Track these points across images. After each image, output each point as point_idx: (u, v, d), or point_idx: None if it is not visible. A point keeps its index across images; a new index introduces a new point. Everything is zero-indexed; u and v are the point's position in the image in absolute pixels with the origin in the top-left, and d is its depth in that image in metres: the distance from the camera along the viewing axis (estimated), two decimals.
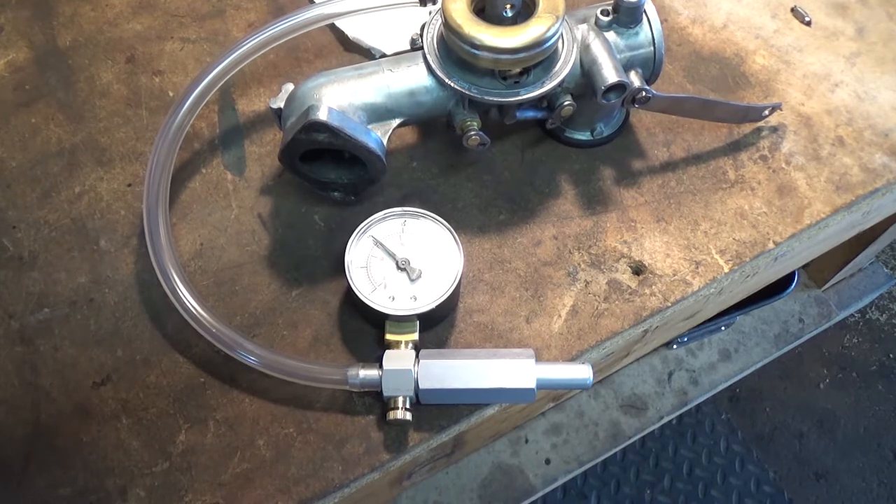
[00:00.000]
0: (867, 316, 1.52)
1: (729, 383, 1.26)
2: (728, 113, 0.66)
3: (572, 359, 0.59)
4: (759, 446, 1.31)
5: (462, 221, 0.64)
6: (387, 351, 0.55)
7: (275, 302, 0.60)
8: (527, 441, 1.21)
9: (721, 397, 1.32)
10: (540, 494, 1.13)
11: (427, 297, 0.56)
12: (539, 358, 0.57)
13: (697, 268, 0.62)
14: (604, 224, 0.65)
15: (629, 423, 1.23)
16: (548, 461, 1.22)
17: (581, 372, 0.54)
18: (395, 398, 0.54)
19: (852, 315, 1.48)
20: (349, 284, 0.56)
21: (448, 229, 0.59)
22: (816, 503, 1.27)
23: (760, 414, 1.36)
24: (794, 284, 1.15)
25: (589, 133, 0.68)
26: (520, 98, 0.58)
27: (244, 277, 0.61)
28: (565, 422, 1.22)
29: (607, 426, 1.22)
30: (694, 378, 1.29)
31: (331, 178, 0.60)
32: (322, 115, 0.54)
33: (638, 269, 0.63)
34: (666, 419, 1.22)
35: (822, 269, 1.27)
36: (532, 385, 0.53)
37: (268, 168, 0.67)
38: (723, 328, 1.24)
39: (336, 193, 0.61)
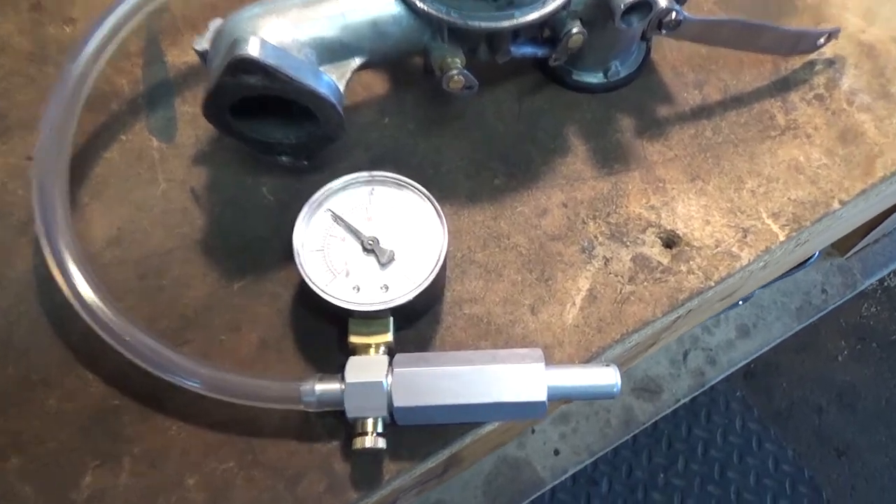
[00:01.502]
0: (885, 283, 1.45)
1: (748, 361, 1.20)
2: (775, 41, 0.53)
3: (591, 358, 0.46)
4: (777, 423, 1.27)
5: (447, 189, 0.51)
6: (351, 358, 0.42)
7: (211, 298, 0.48)
8: (533, 431, 1.14)
9: (735, 374, 1.26)
10: (549, 487, 1.09)
11: (402, 285, 0.43)
12: (549, 359, 0.44)
13: (746, 236, 0.49)
14: (625, 186, 0.52)
15: (643, 408, 1.16)
16: (556, 452, 1.16)
17: (605, 377, 0.41)
18: (362, 420, 0.41)
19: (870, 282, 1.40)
20: (300, 274, 0.43)
21: (428, 199, 0.46)
22: (838, 480, 1.22)
23: (777, 390, 1.31)
24: (817, 254, 1.04)
25: (602, 74, 0.54)
26: (514, 23, 0.44)
27: (173, 268, 0.49)
28: (574, 409, 1.14)
29: (619, 412, 1.15)
30: (711, 357, 1.22)
31: (276, 139, 0.46)
32: (252, 50, 0.40)
33: (670, 241, 0.50)
34: (683, 401, 1.16)
35: (845, 235, 1.17)
36: (542, 397, 0.40)
37: (203, 132, 0.54)
38: (740, 303, 1.18)
39: (284, 157, 0.48)
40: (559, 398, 0.41)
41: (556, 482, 1.11)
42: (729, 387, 1.28)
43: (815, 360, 1.35)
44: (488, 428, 0.45)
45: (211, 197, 0.51)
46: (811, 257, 1.03)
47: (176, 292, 0.48)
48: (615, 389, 0.41)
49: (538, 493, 1.11)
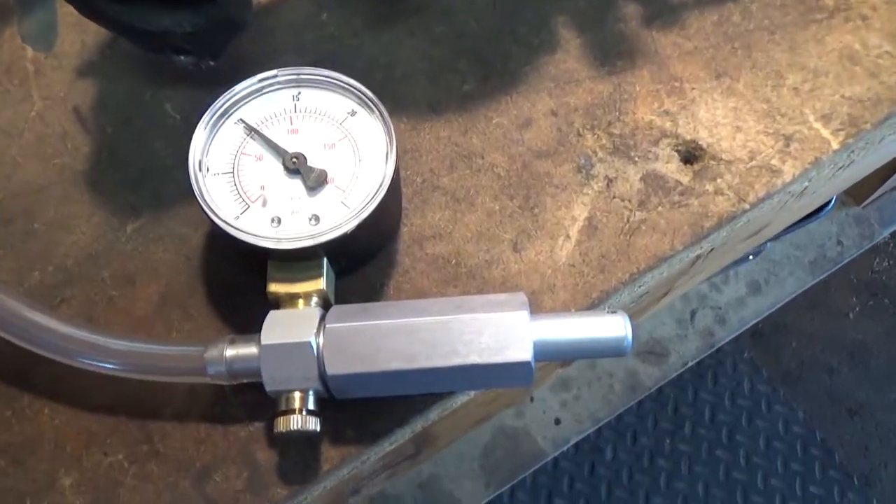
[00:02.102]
0: None
1: (760, 319, 1.14)
2: None
3: (592, 306, 0.35)
4: (787, 384, 1.22)
5: (402, 98, 0.40)
6: (271, 312, 0.31)
7: (98, 244, 0.37)
8: (532, 400, 1.08)
9: (743, 334, 1.20)
10: (550, 458, 1.05)
11: (337, 215, 0.32)
12: (538, 309, 0.34)
13: (788, 145, 0.38)
14: (630, 87, 0.40)
15: (648, 373, 1.10)
16: (558, 421, 1.11)
17: (612, 327, 0.30)
18: (286, 394, 0.30)
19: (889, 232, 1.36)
20: (199, 204, 0.32)
21: (369, 102, 0.34)
22: (851, 441, 1.18)
23: (786, 349, 1.26)
24: (832, 203, 0.96)
25: None
26: None
27: (48, 208, 0.38)
28: (575, 375, 1.08)
29: (624, 377, 1.10)
30: (720, 316, 1.16)
31: (166, 27, 0.35)
32: None
33: (690, 155, 0.38)
34: (691, 364, 1.11)
35: (860, 182, 1.10)
36: (526, 356, 0.29)
37: (92, 37, 0.42)
38: (750, 257, 1.11)
39: (182, 56, 0.37)
40: (551, 358, 0.30)
41: (558, 452, 1.04)
42: (736, 348, 1.24)
43: (825, 317, 1.30)
44: (460, 399, 0.35)
45: (99, 117, 0.40)
46: (826, 205, 0.93)
47: (52, 238, 0.37)
48: (625, 344, 0.30)
49: (539, 465, 1.05)
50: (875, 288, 1.33)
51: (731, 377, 1.23)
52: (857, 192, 1.17)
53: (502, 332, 0.30)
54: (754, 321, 1.18)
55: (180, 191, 0.38)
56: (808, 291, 1.21)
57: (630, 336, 0.30)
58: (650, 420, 1.18)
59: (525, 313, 0.30)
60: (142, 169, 0.38)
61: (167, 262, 0.36)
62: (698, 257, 0.40)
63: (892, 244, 1.37)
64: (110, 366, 0.32)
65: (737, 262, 1.10)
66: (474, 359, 0.29)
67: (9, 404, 0.33)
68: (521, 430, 1.10)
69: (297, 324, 0.31)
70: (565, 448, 1.07)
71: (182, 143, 0.38)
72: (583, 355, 0.30)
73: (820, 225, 1.26)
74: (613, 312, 0.31)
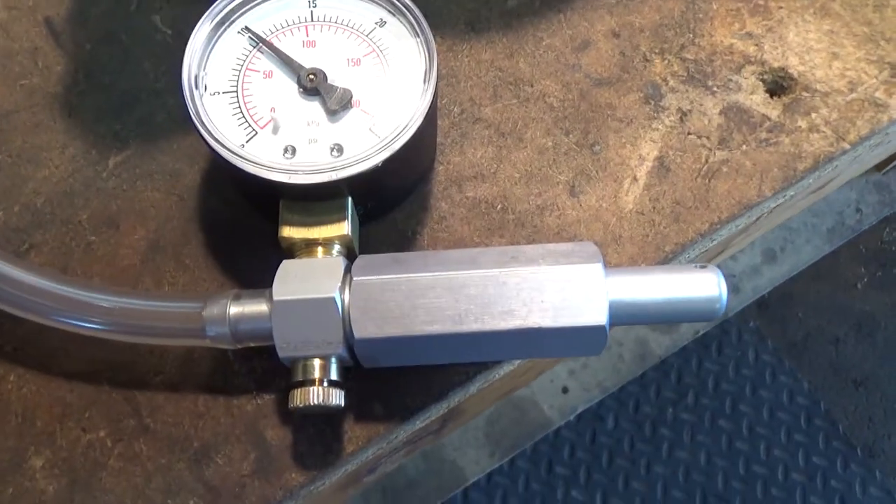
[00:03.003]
0: None
1: (775, 287, 1.13)
2: None
3: (665, 260, 0.30)
4: (792, 355, 1.20)
5: (437, 15, 0.34)
6: (284, 262, 0.26)
7: (74, 180, 0.31)
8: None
9: (749, 304, 1.18)
10: (556, 427, 1.03)
11: (363, 144, 0.26)
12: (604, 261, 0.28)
13: (894, 75, 0.32)
14: (706, 4, 0.34)
15: (659, 342, 1.09)
16: (565, 390, 1.09)
17: (703, 285, 0.25)
18: (304, 362, 0.25)
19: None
20: (197, 129, 0.26)
21: (404, 9, 0.28)
22: (856, 413, 1.16)
23: (792, 320, 1.24)
24: None
25: None
26: None
27: (15, 137, 0.32)
28: None
29: (633, 346, 1.09)
30: (734, 284, 1.14)
31: None
32: None
33: (778, 85, 0.33)
34: (701, 333, 1.09)
35: None
36: (601, 319, 0.24)
37: None
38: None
39: None
40: (629, 322, 0.25)
41: (563, 422, 1.02)
42: (742, 318, 1.20)
43: (832, 288, 1.27)
44: (505, 369, 0.30)
45: (77, 32, 0.33)
46: None
47: (18, 172, 0.31)
48: (719, 305, 0.25)
49: (544, 434, 1.03)
50: (884, 258, 1.29)
51: (737, 347, 1.20)
52: None
53: (570, 290, 0.24)
54: (769, 289, 1.15)
55: (172, 119, 0.32)
56: (815, 261, 1.19)
57: (725, 296, 0.24)
58: (653, 389, 1.15)
59: (599, 266, 0.24)
60: (126, 92, 0.32)
61: (157, 202, 0.30)
62: (775, 207, 0.35)
63: None
64: (91, 325, 0.26)
65: None
66: (536, 321, 0.24)
67: None
68: (528, 398, 1.07)
69: (316, 276, 0.25)
70: (572, 417, 1.05)
71: (174, 62, 0.32)
72: (667, 319, 0.25)
73: (839, 191, 1.22)
74: (703, 266, 0.25)
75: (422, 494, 0.97)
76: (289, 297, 0.24)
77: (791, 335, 1.22)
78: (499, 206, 0.30)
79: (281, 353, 0.25)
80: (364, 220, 0.29)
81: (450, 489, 1.00)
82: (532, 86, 0.33)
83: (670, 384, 1.16)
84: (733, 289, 1.16)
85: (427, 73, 0.27)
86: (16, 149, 0.31)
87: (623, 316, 0.24)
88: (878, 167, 1.20)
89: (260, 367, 0.28)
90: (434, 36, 0.33)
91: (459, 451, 1.03)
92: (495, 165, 0.31)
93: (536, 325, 0.24)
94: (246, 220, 0.30)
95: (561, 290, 0.24)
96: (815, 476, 1.07)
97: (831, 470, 1.08)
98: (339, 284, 0.25)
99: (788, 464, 1.08)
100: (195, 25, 0.28)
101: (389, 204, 0.30)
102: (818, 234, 1.22)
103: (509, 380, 0.36)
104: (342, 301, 0.24)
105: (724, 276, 0.25)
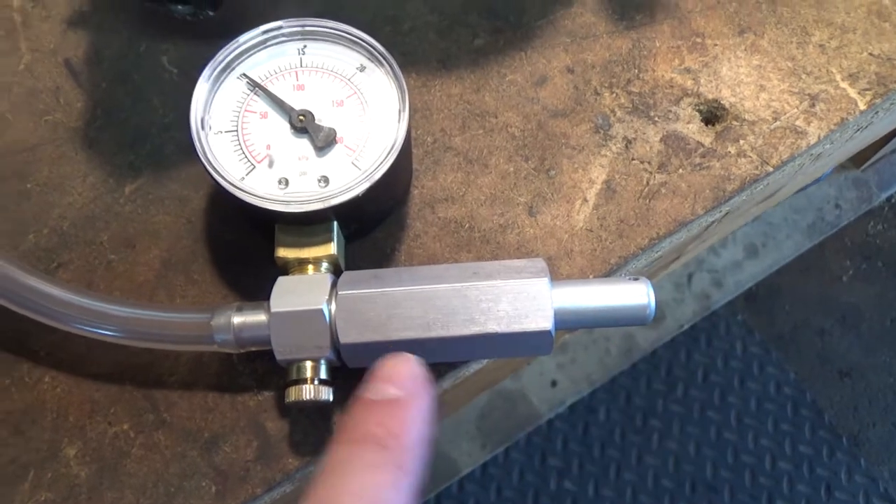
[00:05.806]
0: (893, 200, 1.37)
1: (757, 282, 1.16)
2: None
3: (610, 272, 0.34)
4: (779, 347, 1.22)
5: (411, 54, 0.38)
6: (279, 278, 0.30)
7: (95, 206, 0.35)
8: (528, 363, 1.08)
9: (737, 297, 1.21)
10: (545, 420, 1.06)
11: (347, 176, 0.31)
12: (553, 274, 0.32)
13: (814, 105, 0.37)
14: (650, 43, 0.38)
15: (645, 335, 1.12)
16: (554, 383, 1.13)
17: (634, 294, 0.29)
18: (298, 364, 0.29)
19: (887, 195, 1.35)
20: (202, 165, 0.30)
21: (380, 57, 0.33)
22: (841, 402, 1.19)
23: (779, 312, 1.27)
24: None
25: None
26: None
27: (42, 168, 0.36)
28: (571, 339, 1.09)
29: (620, 340, 1.11)
30: (717, 279, 1.17)
31: None
32: None
33: (713, 115, 0.37)
34: (686, 327, 1.13)
35: None
36: (547, 325, 0.28)
37: None
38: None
39: (179, 5, 0.34)
40: (571, 327, 0.29)
41: (553, 415, 1.05)
42: (730, 310, 1.23)
43: (818, 281, 1.30)
44: (473, 367, 0.34)
45: (93, 72, 0.38)
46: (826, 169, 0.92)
47: (46, 199, 0.35)
48: (648, 312, 0.29)
49: (534, 427, 1.06)
50: (869, 251, 1.32)
51: (725, 339, 1.23)
52: (857, 155, 1.15)
53: (522, 300, 0.29)
54: (751, 284, 1.18)
55: (180, 150, 0.36)
56: (802, 255, 1.21)
57: (653, 304, 0.29)
58: (643, 381, 1.19)
59: (545, 280, 0.29)
60: (139, 127, 0.37)
61: (168, 224, 0.35)
62: (713, 221, 0.39)
63: (887, 208, 1.35)
64: (114, 333, 0.30)
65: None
66: (493, 327, 0.28)
67: (8, 372, 0.32)
68: (518, 392, 1.10)
69: (307, 290, 0.29)
70: (561, 409, 1.08)
71: (180, 99, 0.37)
72: (604, 324, 0.29)
73: (819, 188, 1.25)
74: (635, 279, 0.30)
75: None
76: (284, 309, 0.29)
77: (778, 327, 1.25)
78: (466, 226, 0.35)
79: (278, 357, 0.29)
80: (349, 239, 0.33)
81: (443, 480, 1.03)
82: (496, 117, 0.37)
83: (660, 376, 1.19)
84: (716, 283, 1.20)
85: (400, 112, 0.32)
86: (43, 178, 0.36)
87: (567, 321, 0.29)
88: (857, 164, 1.23)
89: (260, 368, 0.32)
90: (409, 73, 0.37)
91: (452, 443, 1.06)
92: (464, 189, 0.36)
93: (493, 331, 0.28)
94: (246, 241, 0.34)
95: (514, 301, 0.29)
96: (802, 464, 1.10)
97: (817, 458, 1.11)
98: (327, 297, 0.29)
99: (775, 453, 1.11)
100: (198, 66, 0.32)
101: (371, 225, 0.35)
102: (798, 229, 1.25)
103: (483, 375, 0.41)
104: (329, 311, 0.29)
105: (653, 286, 0.29)
